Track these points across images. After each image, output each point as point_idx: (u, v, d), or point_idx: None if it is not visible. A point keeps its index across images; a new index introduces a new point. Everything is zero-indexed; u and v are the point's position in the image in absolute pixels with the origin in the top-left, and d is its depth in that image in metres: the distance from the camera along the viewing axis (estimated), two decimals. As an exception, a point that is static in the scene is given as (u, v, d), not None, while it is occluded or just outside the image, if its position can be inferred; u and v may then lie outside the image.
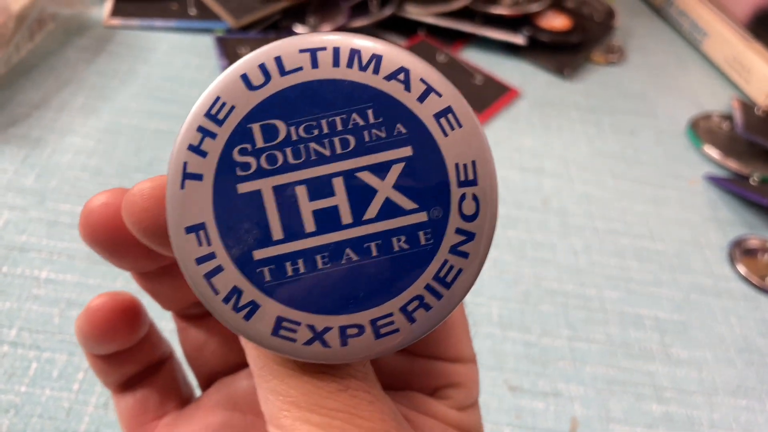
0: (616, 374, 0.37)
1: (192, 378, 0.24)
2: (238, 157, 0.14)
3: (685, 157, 0.54)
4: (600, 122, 0.55)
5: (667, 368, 0.38)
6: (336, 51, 0.15)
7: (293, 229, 0.14)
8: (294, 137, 0.14)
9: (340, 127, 0.14)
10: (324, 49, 0.15)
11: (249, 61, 0.15)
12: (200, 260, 0.14)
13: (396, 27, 0.60)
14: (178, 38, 0.55)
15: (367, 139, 0.14)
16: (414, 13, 0.59)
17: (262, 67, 0.14)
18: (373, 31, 0.59)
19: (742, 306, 0.42)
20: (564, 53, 0.61)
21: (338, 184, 0.14)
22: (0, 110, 0.45)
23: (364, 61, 0.15)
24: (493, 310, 0.39)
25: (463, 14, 0.60)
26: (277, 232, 0.14)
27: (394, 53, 0.15)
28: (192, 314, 0.23)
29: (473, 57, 0.59)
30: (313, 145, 0.14)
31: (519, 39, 0.59)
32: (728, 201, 0.50)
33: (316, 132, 0.14)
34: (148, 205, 0.16)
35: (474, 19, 0.60)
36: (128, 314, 0.21)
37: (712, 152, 0.54)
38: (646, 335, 0.40)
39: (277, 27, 0.56)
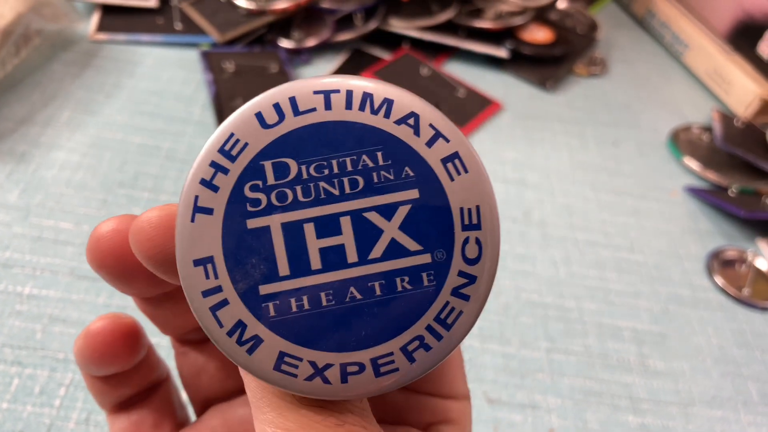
0: (593, 386, 0.38)
1: (188, 401, 0.24)
2: (249, 193, 0.15)
3: (666, 169, 0.54)
4: (582, 134, 0.56)
5: (644, 379, 0.39)
6: (349, 94, 0.15)
7: (300, 266, 0.15)
8: (305, 176, 0.15)
9: (350, 168, 0.15)
10: (338, 91, 0.15)
11: (264, 99, 0.15)
12: (206, 293, 0.14)
13: (380, 41, 0.60)
14: (163, 52, 0.55)
15: (375, 180, 0.15)
16: (398, 26, 0.60)
17: (277, 107, 0.15)
18: (357, 44, 0.60)
19: (719, 317, 0.43)
20: (547, 66, 0.62)
21: (345, 223, 0.15)
22: (-15, 126, 0.46)
23: (376, 105, 0.15)
24: (473, 323, 0.40)
25: (446, 28, 0.60)
26: (283, 268, 0.14)
27: (405, 98, 0.15)
28: (191, 339, 0.23)
29: (456, 70, 0.60)
30: (322, 184, 0.15)
31: (502, 52, 0.60)
32: (708, 212, 0.51)
33: (326, 171, 0.15)
34: (156, 234, 0.16)
35: (457, 33, 0.61)
36: (128, 337, 0.21)
37: (692, 164, 0.54)
38: (623, 347, 0.40)
39: (263, 41, 0.57)
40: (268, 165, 0.15)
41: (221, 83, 0.52)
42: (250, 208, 0.15)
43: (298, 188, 0.15)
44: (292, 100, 0.15)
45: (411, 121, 0.15)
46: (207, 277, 0.14)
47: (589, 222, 0.48)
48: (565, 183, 0.51)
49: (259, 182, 0.15)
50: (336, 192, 0.15)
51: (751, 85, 0.59)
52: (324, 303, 0.15)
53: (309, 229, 0.15)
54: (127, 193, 0.43)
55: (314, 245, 0.15)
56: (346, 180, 0.15)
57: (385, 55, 0.59)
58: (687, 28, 0.66)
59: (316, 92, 0.15)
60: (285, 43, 0.57)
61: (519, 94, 0.59)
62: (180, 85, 0.52)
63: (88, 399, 0.33)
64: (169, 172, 0.45)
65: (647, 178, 0.53)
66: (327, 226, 0.15)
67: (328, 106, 0.15)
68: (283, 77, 0.54)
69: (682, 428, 0.37)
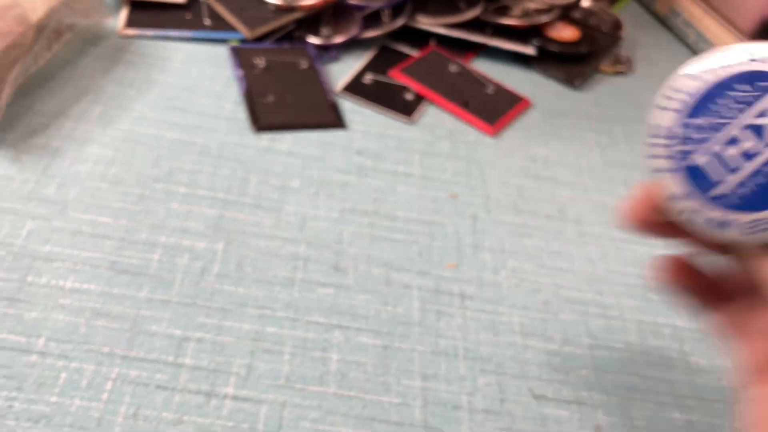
0: (637, 382, 0.38)
1: None
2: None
3: (695, 167, 0.54)
4: (612, 132, 0.56)
5: (687, 376, 0.38)
6: None
7: None
8: None
9: None
10: None
11: None
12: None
13: (407, 37, 0.60)
14: (193, 48, 0.55)
15: None
16: (425, 23, 0.60)
17: None
18: (385, 41, 0.60)
19: (758, 314, 0.43)
20: (573, 63, 0.61)
21: None
22: (19, 120, 0.45)
23: None
24: (514, 319, 0.39)
25: (473, 25, 0.60)
26: None
27: None
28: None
29: (484, 67, 0.60)
30: None
31: (529, 50, 0.60)
32: (739, 210, 0.50)
33: None
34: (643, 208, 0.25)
35: (484, 30, 0.60)
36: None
37: (722, 162, 0.54)
38: (664, 343, 0.40)
39: (291, 37, 0.57)
40: None
41: (252, 79, 0.52)
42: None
43: None
44: None
45: None
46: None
47: (624, 219, 0.48)
48: (598, 180, 0.51)
49: None
50: None
51: (779, 83, 0.58)
52: None
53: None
54: (164, 187, 0.43)
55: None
56: None
57: (413, 52, 0.59)
58: (711, 27, 0.66)
59: None
60: (313, 40, 0.56)
61: (547, 92, 0.59)
62: (210, 81, 0.52)
63: (136, 394, 0.33)
64: (204, 167, 0.45)
65: (678, 176, 0.53)
66: None
67: None
68: (313, 73, 0.53)
69: (729, 426, 0.36)
